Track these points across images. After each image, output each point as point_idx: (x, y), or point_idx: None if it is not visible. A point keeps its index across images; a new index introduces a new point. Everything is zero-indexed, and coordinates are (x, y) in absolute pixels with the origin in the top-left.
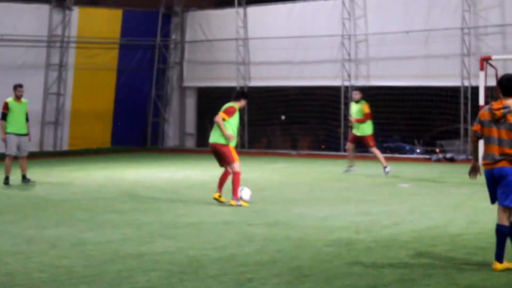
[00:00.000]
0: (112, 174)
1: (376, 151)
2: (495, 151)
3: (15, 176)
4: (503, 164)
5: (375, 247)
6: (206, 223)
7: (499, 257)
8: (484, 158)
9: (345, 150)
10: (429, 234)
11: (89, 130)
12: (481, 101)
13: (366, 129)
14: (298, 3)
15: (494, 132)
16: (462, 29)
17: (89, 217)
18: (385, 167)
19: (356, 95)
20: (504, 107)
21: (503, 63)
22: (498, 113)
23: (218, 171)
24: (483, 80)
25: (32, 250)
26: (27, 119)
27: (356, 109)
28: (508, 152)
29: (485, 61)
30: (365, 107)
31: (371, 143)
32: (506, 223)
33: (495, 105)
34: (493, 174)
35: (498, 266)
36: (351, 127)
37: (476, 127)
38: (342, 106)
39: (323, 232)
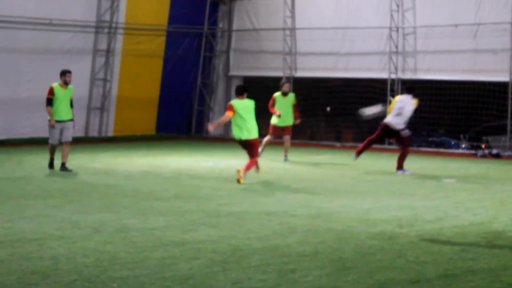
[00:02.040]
0: (155, 162)
1: (288, 139)
2: None
3: (58, 161)
4: None
5: (418, 241)
6: (249, 212)
7: None
8: None
9: (389, 143)
10: (473, 230)
11: (134, 116)
12: None
13: (290, 119)
14: None
15: None
16: (511, 23)
17: (132, 203)
18: (286, 156)
19: (286, 87)
20: None
21: None
22: None
23: (260, 161)
24: None
25: (76, 234)
26: (71, 105)
27: (286, 101)
28: None
29: None
30: (295, 99)
31: (290, 131)
32: None
33: None
34: None
35: None
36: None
37: None
38: (389, 99)
39: (366, 225)
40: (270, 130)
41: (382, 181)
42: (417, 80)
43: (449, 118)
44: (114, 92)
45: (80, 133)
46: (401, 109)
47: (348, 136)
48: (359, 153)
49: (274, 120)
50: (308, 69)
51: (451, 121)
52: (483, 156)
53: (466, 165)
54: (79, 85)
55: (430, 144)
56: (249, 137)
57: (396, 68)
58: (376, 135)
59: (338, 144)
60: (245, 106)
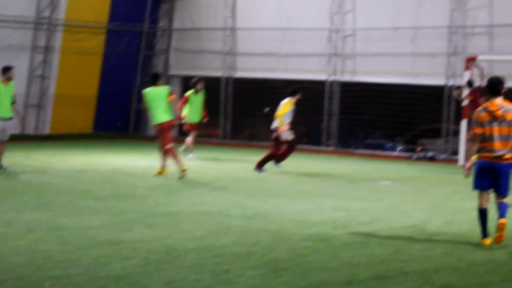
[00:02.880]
0: (92, 160)
1: (192, 136)
2: (496, 146)
3: None
4: (504, 159)
5: (352, 243)
6: (185, 212)
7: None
8: (483, 151)
9: (327, 145)
10: (407, 232)
11: (72, 114)
12: (465, 100)
13: (199, 117)
14: None
15: (495, 130)
16: (449, 27)
17: (68, 202)
18: (190, 153)
19: (201, 85)
20: (501, 107)
21: (489, 63)
22: (498, 113)
23: (199, 161)
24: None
25: (9, 233)
26: (13, 102)
27: (198, 99)
28: (508, 146)
29: (471, 61)
30: (203, 97)
31: (196, 128)
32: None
33: (491, 106)
34: (493, 166)
35: (486, 241)
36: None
37: (478, 129)
38: (326, 101)
39: (301, 226)
40: (184, 128)
41: (318, 183)
42: (356, 83)
43: (386, 120)
44: (52, 89)
45: (16, 131)
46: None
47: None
48: (259, 166)
49: (185, 119)
50: (248, 70)
51: (388, 124)
52: (418, 159)
53: (401, 167)
54: (17, 81)
55: (367, 146)
56: (157, 122)
57: (335, 70)
58: (274, 146)
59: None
60: (156, 94)
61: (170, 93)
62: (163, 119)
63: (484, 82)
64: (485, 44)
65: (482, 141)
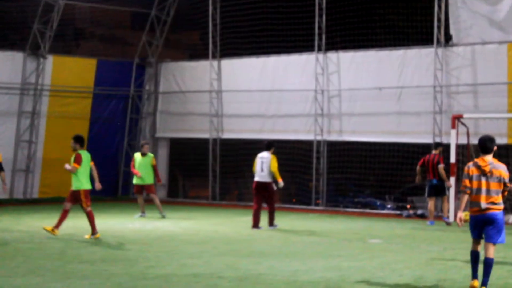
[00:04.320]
0: (81, 223)
1: (155, 197)
2: (483, 200)
3: None
4: (494, 210)
5: None
6: (176, 275)
7: (486, 283)
8: (472, 206)
9: (316, 204)
10: None
11: (60, 178)
12: (452, 158)
13: (148, 178)
14: (271, 57)
15: (483, 184)
16: (434, 87)
17: (57, 266)
18: (161, 212)
19: (145, 148)
20: (490, 163)
21: (474, 121)
22: (486, 168)
23: (188, 223)
24: (455, 138)
25: None
26: (2, 169)
27: (144, 161)
28: (496, 200)
29: (457, 119)
30: (153, 160)
31: (153, 190)
32: (492, 256)
33: (481, 162)
34: (484, 218)
35: (474, 283)
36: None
37: (467, 182)
38: (314, 160)
39: (293, 287)
40: (134, 190)
41: (309, 242)
42: (343, 142)
43: (374, 179)
44: (40, 154)
45: (4, 195)
46: (262, 164)
47: (275, 197)
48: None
49: (134, 180)
50: (234, 131)
51: (376, 182)
52: (408, 216)
53: (391, 225)
54: (4, 147)
55: (356, 205)
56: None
57: (321, 130)
58: (256, 200)
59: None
60: (86, 157)
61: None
62: (75, 187)
63: (470, 140)
64: (469, 102)
65: (470, 195)
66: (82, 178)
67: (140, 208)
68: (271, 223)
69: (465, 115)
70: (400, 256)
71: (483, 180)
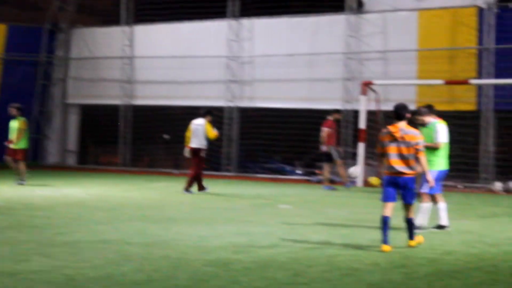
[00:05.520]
0: None
1: (21, 165)
2: (396, 164)
3: None
4: (406, 174)
5: (253, 267)
6: (84, 241)
7: (411, 237)
8: (386, 170)
9: (226, 170)
10: (306, 255)
11: None
12: (362, 124)
13: (20, 144)
14: (185, 23)
15: (395, 149)
16: (345, 53)
17: None
18: (22, 179)
19: (13, 111)
20: (401, 130)
21: (384, 88)
22: (397, 134)
23: (98, 189)
24: (364, 104)
25: None
26: None
27: (14, 125)
28: (408, 164)
29: (367, 85)
30: (22, 124)
31: (20, 156)
32: (411, 216)
33: (392, 128)
34: (396, 181)
35: (412, 242)
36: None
37: (380, 148)
38: (226, 126)
39: (202, 251)
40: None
41: (218, 208)
42: (254, 108)
43: (285, 145)
44: None
45: None
46: (197, 130)
47: (186, 163)
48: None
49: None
50: (147, 97)
51: (287, 148)
52: (318, 182)
53: (301, 191)
54: None
55: (266, 171)
56: None
57: (233, 96)
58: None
59: (176, 171)
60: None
61: None
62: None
63: (380, 106)
64: (379, 69)
65: (384, 159)
66: None
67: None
68: (187, 188)
69: (375, 82)
70: (309, 220)
71: (395, 145)
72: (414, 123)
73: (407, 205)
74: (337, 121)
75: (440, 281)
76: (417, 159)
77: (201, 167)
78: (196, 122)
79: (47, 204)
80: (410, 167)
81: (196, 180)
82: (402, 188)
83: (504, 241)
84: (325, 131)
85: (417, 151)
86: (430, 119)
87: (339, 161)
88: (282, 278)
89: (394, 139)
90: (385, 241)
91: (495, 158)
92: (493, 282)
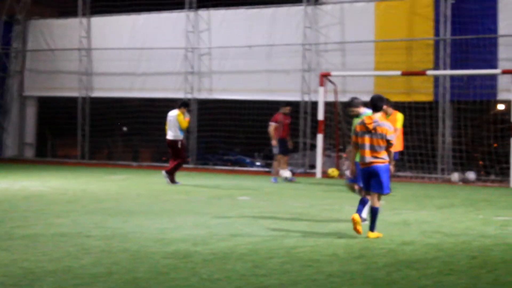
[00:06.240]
0: None
1: None
2: (368, 154)
3: None
4: (377, 163)
5: (212, 259)
6: (42, 234)
7: (372, 228)
8: (360, 160)
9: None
10: (266, 246)
11: None
12: (320, 116)
13: None
14: (142, 15)
15: (368, 140)
16: (303, 45)
17: None
18: None
19: None
20: (374, 121)
21: (342, 79)
22: (371, 126)
23: (56, 182)
24: (322, 95)
25: None
26: None
27: None
28: (380, 154)
29: (325, 77)
30: None
31: None
32: (377, 205)
33: (367, 120)
34: (369, 171)
35: (371, 234)
36: None
37: (354, 138)
38: None
39: (161, 244)
40: None
41: (178, 200)
42: (213, 100)
43: (244, 136)
44: None
45: None
46: (170, 122)
47: (145, 156)
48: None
49: None
50: (104, 89)
51: (246, 140)
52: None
53: (260, 182)
54: None
55: (226, 162)
56: None
57: (192, 88)
58: (173, 155)
59: (134, 163)
60: None
61: None
62: None
63: (338, 97)
64: (337, 60)
65: (358, 150)
66: None
67: None
68: (172, 179)
69: (332, 73)
70: (268, 212)
71: (368, 136)
72: (350, 114)
73: (374, 194)
74: (287, 114)
75: (398, 271)
76: (387, 151)
77: (182, 157)
78: (171, 113)
79: (5, 197)
80: (380, 158)
81: (174, 169)
82: (373, 176)
83: (461, 231)
84: (272, 125)
85: (388, 143)
86: (363, 110)
87: (279, 156)
88: (241, 269)
89: (367, 130)
90: (357, 211)
91: (452, 149)
92: (451, 272)
